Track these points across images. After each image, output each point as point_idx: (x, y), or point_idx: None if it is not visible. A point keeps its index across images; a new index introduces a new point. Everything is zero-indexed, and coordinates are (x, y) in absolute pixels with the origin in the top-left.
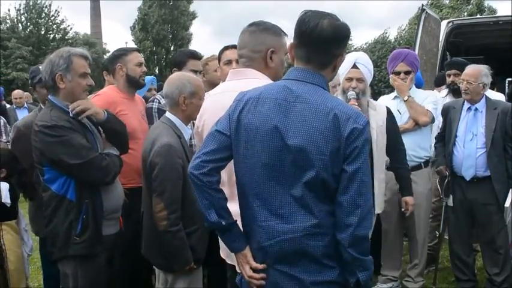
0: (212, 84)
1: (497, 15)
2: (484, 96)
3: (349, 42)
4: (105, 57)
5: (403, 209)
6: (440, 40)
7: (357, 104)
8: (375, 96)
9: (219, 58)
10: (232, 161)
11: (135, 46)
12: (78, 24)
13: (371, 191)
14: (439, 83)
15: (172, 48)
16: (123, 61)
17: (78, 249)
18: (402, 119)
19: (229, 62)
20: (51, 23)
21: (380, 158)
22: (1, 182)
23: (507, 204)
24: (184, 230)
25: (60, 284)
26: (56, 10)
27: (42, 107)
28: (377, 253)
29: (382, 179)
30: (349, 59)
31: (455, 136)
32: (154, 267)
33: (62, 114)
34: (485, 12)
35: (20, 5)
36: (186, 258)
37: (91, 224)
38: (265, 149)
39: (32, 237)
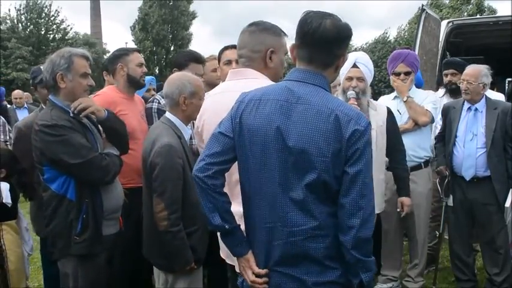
0: (210, 85)
1: (497, 15)
2: (484, 96)
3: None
4: (105, 57)
5: (398, 210)
6: (440, 40)
7: (356, 103)
8: (375, 96)
9: (219, 58)
10: None
11: (135, 46)
12: (78, 24)
13: (373, 193)
14: (441, 82)
15: (172, 48)
16: (124, 61)
17: (78, 249)
18: (402, 119)
19: (229, 62)
20: (51, 23)
21: (380, 158)
22: (1, 182)
23: (507, 204)
24: (185, 230)
25: (60, 284)
26: (56, 10)
27: (44, 107)
28: (377, 253)
29: (382, 179)
30: (349, 58)
31: (456, 136)
32: (154, 267)
33: (62, 113)
34: (485, 12)
35: (20, 5)
36: (186, 258)
37: (91, 223)
38: (267, 151)
39: (32, 237)
